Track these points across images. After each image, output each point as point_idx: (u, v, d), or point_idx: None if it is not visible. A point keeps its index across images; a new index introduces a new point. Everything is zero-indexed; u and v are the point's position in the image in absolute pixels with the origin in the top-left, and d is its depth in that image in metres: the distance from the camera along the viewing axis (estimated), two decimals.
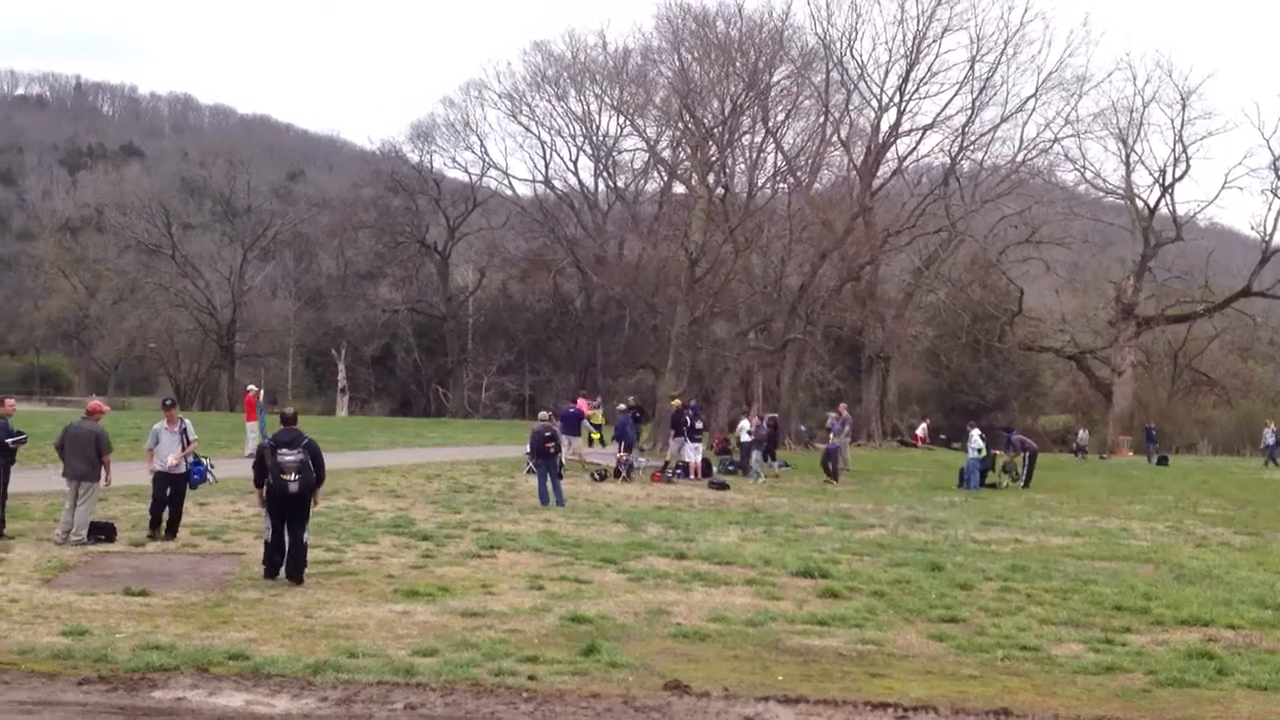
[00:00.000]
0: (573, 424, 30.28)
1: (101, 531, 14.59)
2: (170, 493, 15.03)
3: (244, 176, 79.84)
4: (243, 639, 9.47)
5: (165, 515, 15.00)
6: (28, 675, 8.31)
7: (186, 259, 74.78)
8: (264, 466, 12.57)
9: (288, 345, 77.39)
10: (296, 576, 12.26)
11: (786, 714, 7.80)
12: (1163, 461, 42.53)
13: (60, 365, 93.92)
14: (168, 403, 16.62)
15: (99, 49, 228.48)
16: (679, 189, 59.19)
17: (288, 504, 12.40)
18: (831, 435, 32.51)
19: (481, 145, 75.84)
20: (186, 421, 15.66)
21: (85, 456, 14.61)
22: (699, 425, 30.04)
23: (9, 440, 15.21)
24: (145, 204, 78.41)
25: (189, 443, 15.37)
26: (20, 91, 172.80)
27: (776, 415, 37.29)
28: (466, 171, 73.51)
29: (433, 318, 73.99)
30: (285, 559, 12.37)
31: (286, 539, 12.41)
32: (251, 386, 35.49)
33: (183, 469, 15.15)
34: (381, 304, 73.79)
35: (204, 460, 15.86)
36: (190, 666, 8.54)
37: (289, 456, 12.36)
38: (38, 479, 18.24)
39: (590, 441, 33.30)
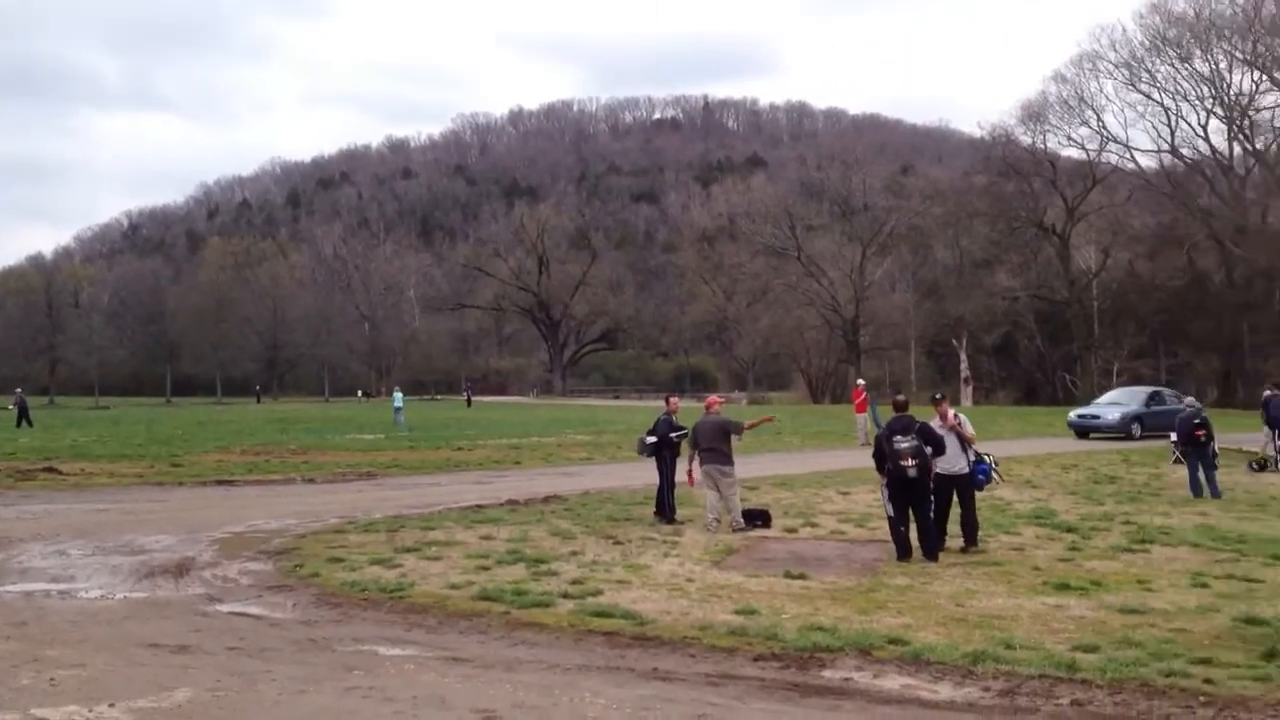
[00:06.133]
0: None
1: (758, 518, 15.72)
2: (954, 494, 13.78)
3: (858, 176, 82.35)
4: (898, 624, 9.72)
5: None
6: (710, 650, 9.02)
7: (810, 259, 78.57)
8: (883, 454, 13.03)
9: (909, 337, 78.67)
10: (931, 554, 12.85)
11: None
12: None
13: (706, 364, 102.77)
14: (936, 397, 15.04)
15: (724, 69, 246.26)
16: None
17: (908, 488, 12.87)
18: None
19: (1098, 118, 71.86)
20: (961, 416, 14.19)
21: (716, 446, 15.75)
22: None
23: (673, 435, 16.91)
24: (770, 210, 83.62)
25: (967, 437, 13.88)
26: (657, 116, 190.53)
27: None
28: (1083, 148, 70.38)
29: (1054, 303, 71.60)
30: (919, 539, 12.99)
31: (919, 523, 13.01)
32: (860, 381, 36.94)
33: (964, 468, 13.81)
34: (1000, 291, 72.66)
35: (986, 458, 14.62)
36: (853, 648, 8.83)
37: (904, 444, 12.78)
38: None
39: None
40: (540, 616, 10.26)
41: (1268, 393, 26.07)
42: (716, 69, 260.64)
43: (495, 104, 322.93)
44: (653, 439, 16.89)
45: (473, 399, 77.54)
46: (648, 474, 17.87)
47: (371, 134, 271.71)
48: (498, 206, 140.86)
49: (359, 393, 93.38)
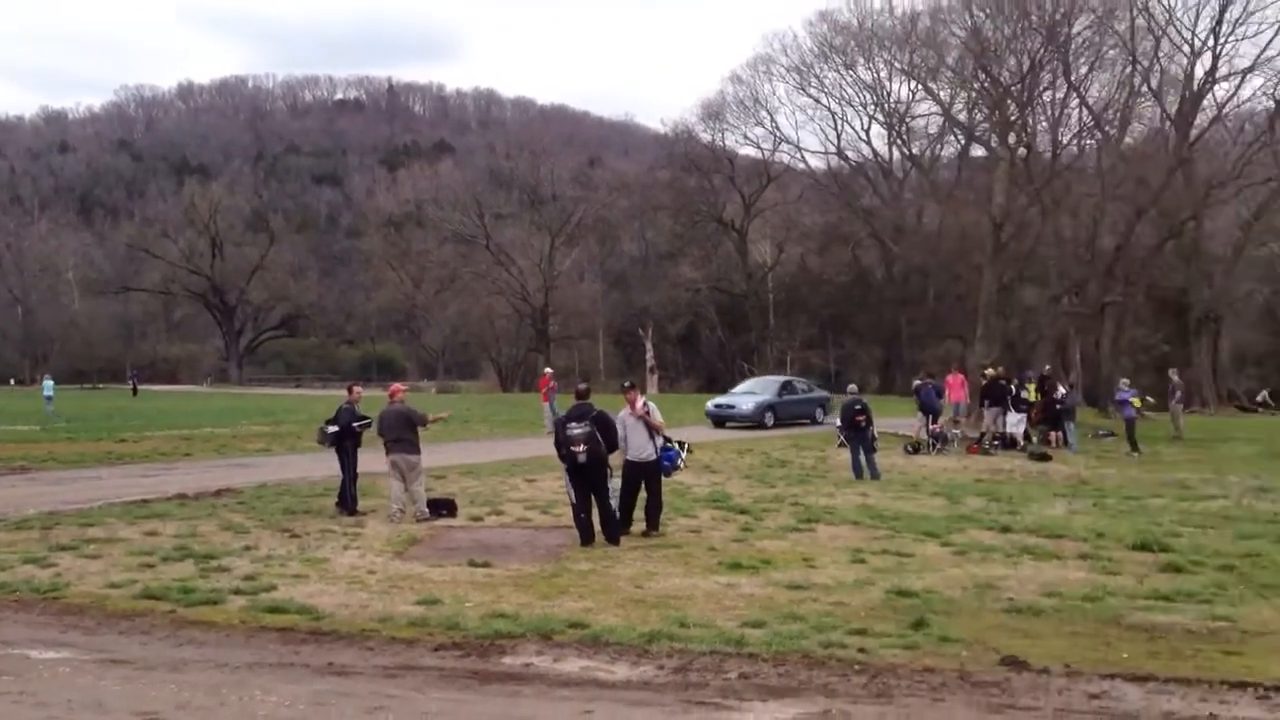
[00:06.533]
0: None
1: (444, 507, 15.58)
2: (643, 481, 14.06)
3: (546, 166, 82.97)
4: (580, 608, 9.89)
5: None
6: (389, 642, 8.91)
7: (499, 248, 78.55)
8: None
9: (597, 326, 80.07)
10: (612, 539, 13.23)
11: (1135, 692, 7.46)
12: None
13: (394, 353, 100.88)
14: (626, 385, 15.14)
15: (409, 51, 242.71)
16: (977, 152, 57.29)
17: (581, 473, 13.19)
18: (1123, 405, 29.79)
19: (772, 120, 75.68)
20: (650, 404, 14.49)
21: (401, 435, 15.55)
22: (1024, 395, 28.99)
23: (355, 425, 16.53)
24: (458, 197, 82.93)
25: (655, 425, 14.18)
26: (339, 96, 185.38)
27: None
28: (758, 147, 73.65)
29: (734, 295, 74.67)
30: (600, 524, 13.34)
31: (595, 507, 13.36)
32: (547, 369, 37.48)
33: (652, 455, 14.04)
34: (683, 283, 75.14)
35: (673, 445, 14.90)
36: (534, 634, 8.95)
37: (576, 430, 13.11)
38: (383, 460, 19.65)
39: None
40: (209, 614, 9.84)
41: (917, 382, 28.22)
42: (401, 51, 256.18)
43: (163, 78, 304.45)
44: (334, 428, 16.45)
45: (139, 388, 73.05)
46: (329, 465, 17.39)
47: (25, 105, 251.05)
48: (166, 185, 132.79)
49: (11, 380, 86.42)
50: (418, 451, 15.65)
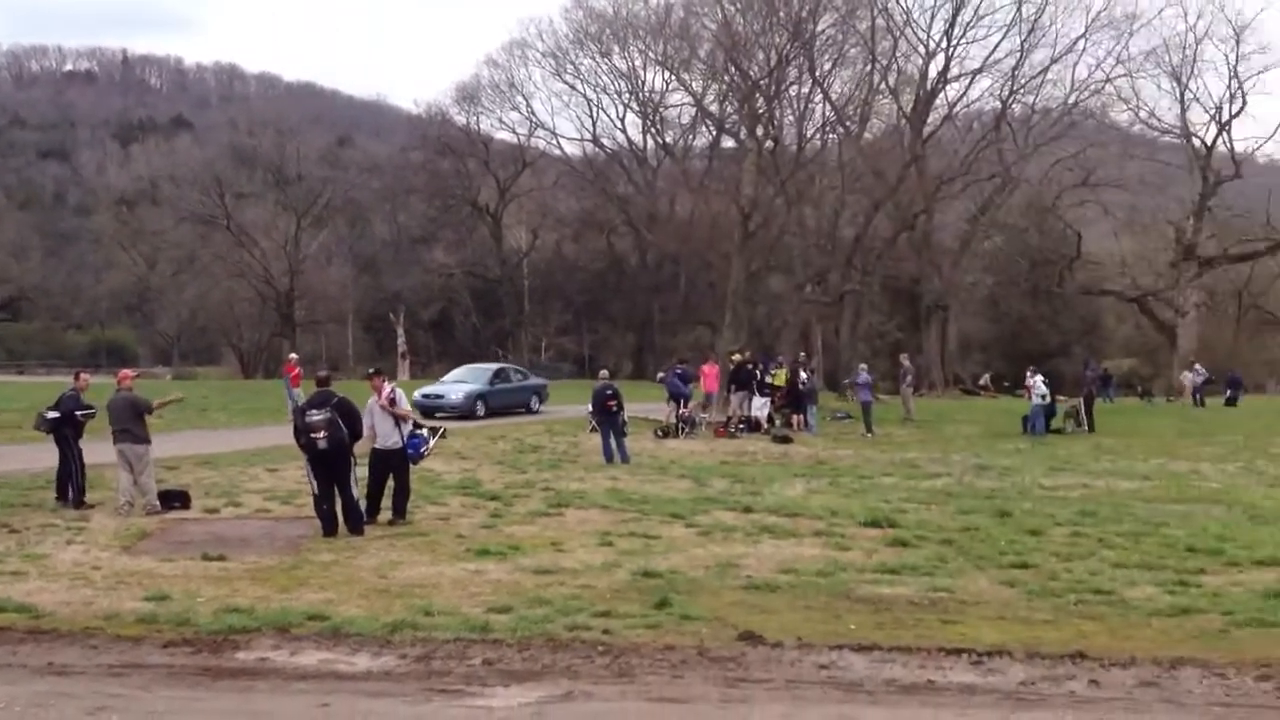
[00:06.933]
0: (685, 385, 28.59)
1: (176, 499, 14.88)
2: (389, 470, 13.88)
3: (293, 144, 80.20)
4: (320, 600, 9.64)
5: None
6: (114, 640, 8.50)
7: (241, 228, 75.34)
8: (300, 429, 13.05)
9: (346, 311, 78.02)
10: (356, 529, 12.91)
11: (860, 662, 7.82)
12: (1230, 402, 41.93)
13: (125, 338, 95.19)
14: (370, 372, 14.91)
15: (145, 23, 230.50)
16: (728, 143, 58.95)
17: (322, 461, 12.87)
18: (856, 388, 31.37)
19: (528, 105, 75.58)
20: (398, 390, 14.32)
21: (127, 424, 14.79)
22: (769, 380, 29.97)
23: (79, 414, 15.58)
24: (197, 175, 79.05)
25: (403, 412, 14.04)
26: (69, 67, 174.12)
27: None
28: (514, 132, 73.46)
29: (488, 280, 74.28)
30: (342, 514, 12.99)
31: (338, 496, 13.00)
32: (292, 355, 36.27)
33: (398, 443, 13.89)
34: (437, 268, 74.25)
35: (422, 432, 14.66)
36: (271, 628, 8.70)
37: (317, 416, 12.82)
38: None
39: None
40: None
41: (661, 375, 28.85)
42: (136, 22, 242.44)
43: None
44: (54, 414, 15.45)
45: None
46: (53, 456, 16.30)
47: None
48: None
49: None
50: (145, 441, 14.85)
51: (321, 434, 12.74)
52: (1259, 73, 62.35)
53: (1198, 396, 42.80)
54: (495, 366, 39.47)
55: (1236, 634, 8.66)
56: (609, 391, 21.70)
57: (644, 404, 31.76)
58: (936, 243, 56.44)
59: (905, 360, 36.09)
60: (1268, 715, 6.81)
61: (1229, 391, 43.22)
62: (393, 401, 13.93)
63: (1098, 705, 6.97)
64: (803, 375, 30.44)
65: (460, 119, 72.86)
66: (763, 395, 29.33)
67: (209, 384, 59.73)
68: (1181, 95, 57.04)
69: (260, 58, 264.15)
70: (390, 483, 13.86)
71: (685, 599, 9.55)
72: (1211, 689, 7.29)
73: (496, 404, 34.49)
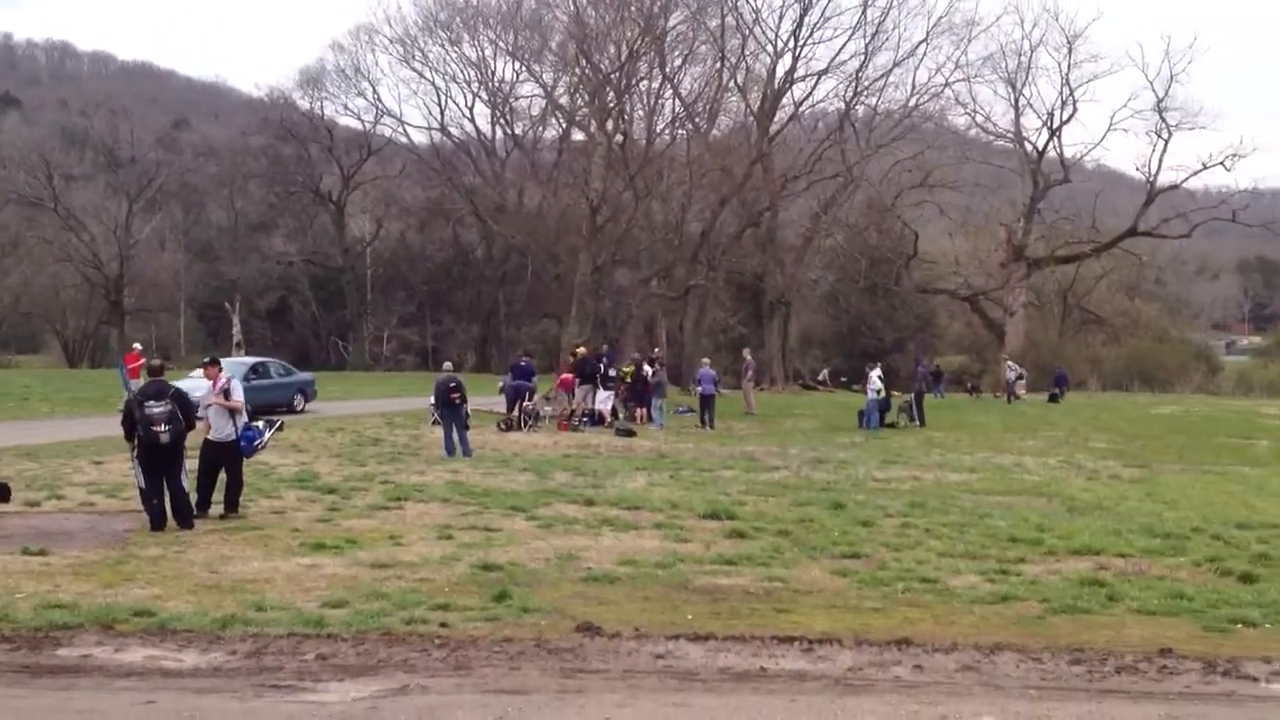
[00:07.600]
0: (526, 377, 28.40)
1: None
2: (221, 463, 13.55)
3: (126, 125, 77.15)
4: (147, 596, 9.35)
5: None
6: None
7: (69, 212, 72.10)
8: (133, 421, 12.54)
9: (179, 299, 75.42)
10: (185, 522, 12.54)
11: (696, 651, 7.95)
12: (1054, 399, 43.77)
13: None
14: (206, 361, 14.77)
15: None
16: (578, 136, 58.93)
17: (161, 455, 12.48)
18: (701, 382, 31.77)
19: (374, 91, 74.36)
20: (233, 381, 14.09)
21: None
22: (611, 373, 30.10)
23: None
24: (24, 155, 75.32)
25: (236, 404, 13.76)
26: None
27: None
28: (359, 119, 72.27)
29: (330, 269, 72.78)
30: (171, 507, 12.59)
31: (167, 489, 12.59)
32: (136, 345, 34.91)
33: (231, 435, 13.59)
34: (276, 256, 72.28)
35: (256, 424, 14.34)
36: (94, 624, 8.42)
37: (157, 408, 12.42)
38: None
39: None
40: None
41: (501, 385, 28.73)
42: None
43: None
44: None
45: None
46: None
47: None
48: None
49: None
50: None
51: (164, 427, 12.34)
52: (1089, 80, 65.01)
53: (1011, 392, 44.57)
54: (254, 360, 36.06)
55: (1053, 620, 9.07)
56: (452, 384, 21.52)
57: (487, 397, 31.64)
58: (780, 240, 57.50)
59: (747, 355, 36.74)
60: (1079, 697, 7.16)
61: (1054, 388, 45.13)
62: (227, 394, 13.57)
63: (921, 690, 7.22)
64: (647, 369, 30.68)
65: (304, 104, 71.45)
66: (607, 388, 29.47)
67: (30, 373, 57.13)
68: (1016, 101, 59.46)
69: (93, 35, 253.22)
70: (223, 476, 13.50)
71: (524, 591, 9.55)
72: (1028, 673, 7.62)
73: (253, 401, 32.43)
